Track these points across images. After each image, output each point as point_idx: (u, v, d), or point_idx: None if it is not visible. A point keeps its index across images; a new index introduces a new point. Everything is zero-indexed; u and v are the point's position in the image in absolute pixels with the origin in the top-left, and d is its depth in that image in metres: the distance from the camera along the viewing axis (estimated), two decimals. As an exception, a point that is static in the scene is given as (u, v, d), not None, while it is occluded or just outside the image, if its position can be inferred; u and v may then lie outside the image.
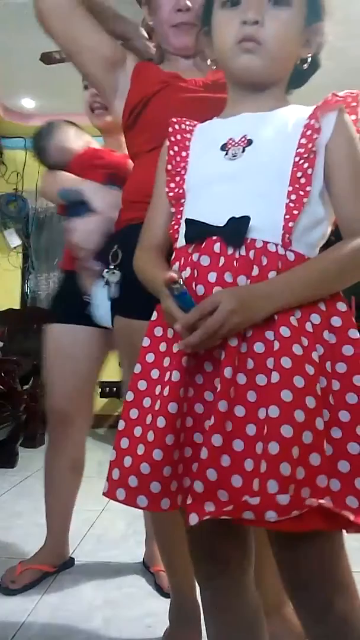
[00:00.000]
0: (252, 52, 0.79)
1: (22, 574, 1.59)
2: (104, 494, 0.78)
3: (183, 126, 0.91)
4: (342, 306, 0.76)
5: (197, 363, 0.76)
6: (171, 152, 0.89)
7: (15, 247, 4.46)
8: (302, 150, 0.77)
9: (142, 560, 1.75)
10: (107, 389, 3.75)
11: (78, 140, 1.63)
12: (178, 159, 0.88)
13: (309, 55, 0.84)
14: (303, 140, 0.78)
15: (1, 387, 3.02)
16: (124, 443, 0.78)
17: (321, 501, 0.67)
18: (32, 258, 4.52)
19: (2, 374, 3.08)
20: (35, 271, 4.53)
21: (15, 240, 4.44)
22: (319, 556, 0.74)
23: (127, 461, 0.76)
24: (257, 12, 0.77)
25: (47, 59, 2.93)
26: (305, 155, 0.77)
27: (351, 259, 0.76)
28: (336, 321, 0.75)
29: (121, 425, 0.79)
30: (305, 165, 0.77)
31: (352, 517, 0.68)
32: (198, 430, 0.75)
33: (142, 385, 0.79)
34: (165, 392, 0.74)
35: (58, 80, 3.44)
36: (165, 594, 1.56)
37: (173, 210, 0.88)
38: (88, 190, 1.52)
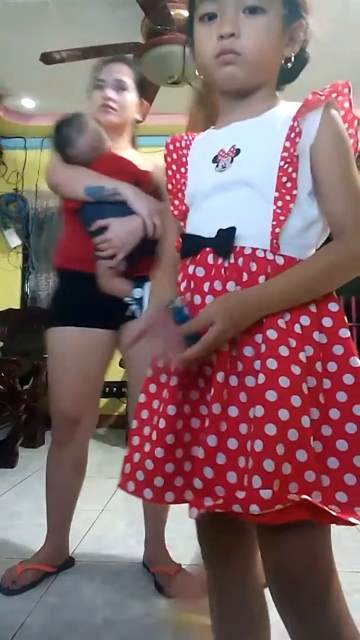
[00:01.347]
0: (232, 64, 0.80)
1: (22, 575, 1.59)
2: (118, 485, 0.84)
3: (178, 144, 0.93)
4: (333, 306, 0.78)
5: (198, 368, 0.79)
6: (169, 172, 0.92)
7: (15, 247, 4.46)
8: (286, 154, 0.78)
9: (142, 560, 1.75)
10: (107, 389, 3.75)
11: (106, 140, 1.60)
12: (178, 176, 0.91)
13: (293, 54, 0.84)
14: (287, 144, 0.78)
15: (1, 387, 3.02)
16: (135, 441, 0.83)
17: (304, 496, 0.70)
18: (32, 258, 4.52)
19: (2, 374, 3.08)
20: (35, 271, 4.53)
21: (15, 240, 4.44)
22: (304, 552, 0.76)
23: (137, 457, 0.81)
24: (232, 24, 0.78)
25: (47, 59, 2.95)
26: (289, 160, 0.77)
27: (337, 262, 0.77)
28: (327, 322, 0.77)
29: (134, 424, 0.85)
30: (290, 169, 0.77)
31: (337, 511, 0.71)
32: (203, 431, 0.78)
33: (152, 388, 0.85)
34: (167, 395, 0.80)
35: (58, 80, 3.45)
36: (165, 594, 1.56)
37: (182, 225, 0.90)
38: (129, 191, 1.52)
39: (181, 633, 1.39)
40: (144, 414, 0.84)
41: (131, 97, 1.67)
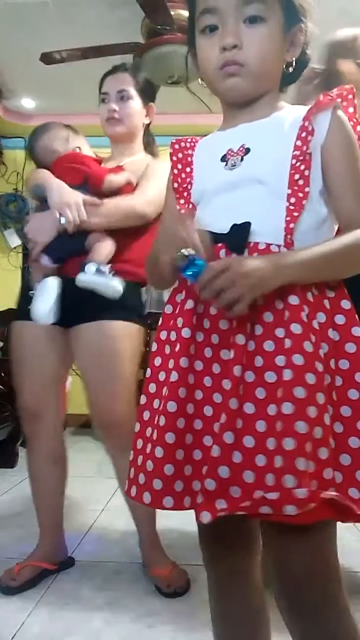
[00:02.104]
0: (236, 75, 0.80)
1: (20, 572, 1.60)
2: (124, 491, 0.83)
3: (183, 144, 0.93)
4: (346, 304, 0.78)
5: (205, 365, 0.78)
6: (175, 171, 0.92)
7: (15, 247, 4.46)
8: (297, 152, 0.78)
9: (141, 560, 1.75)
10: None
11: (65, 143, 1.68)
12: (183, 175, 0.91)
13: (294, 58, 0.84)
14: (298, 143, 0.79)
15: (1, 387, 3.02)
16: (139, 444, 0.82)
17: (334, 494, 0.70)
18: (32, 258, 4.52)
19: (2, 374, 3.08)
20: (35, 271, 4.53)
21: (15, 240, 4.44)
22: (311, 553, 0.76)
23: (140, 460, 0.80)
24: (234, 36, 0.78)
25: (47, 59, 2.95)
26: (301, 158, 0.78)
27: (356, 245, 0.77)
28: (340, 319, 0.77)
29: (137, 427, 0.83)
30: (302, 167, 0.78)
31: (356, 509, 0.71)
32: (208, 433, 0.76)
33: (152, 388, 0.83)
34: (165, 392, 0.78)
35: (58, 80, 3.45)
36: (165, 594, 1.56)
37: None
38: (49, 187, 1.57)
39: (181, 633, 1.39)
40: (146, 415, 0.82)
41: (135, 104, 1.72)
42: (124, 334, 1.57)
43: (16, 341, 1.68)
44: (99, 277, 1.51)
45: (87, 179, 1.59)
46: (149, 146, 1.82)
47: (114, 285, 1.51)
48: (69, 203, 1.52)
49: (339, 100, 0.80)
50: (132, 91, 1.71)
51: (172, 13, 2.58)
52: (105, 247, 1.56)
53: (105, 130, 1.74)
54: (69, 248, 1.56)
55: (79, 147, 1.70)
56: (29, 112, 4.17)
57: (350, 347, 0.75)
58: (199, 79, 0.89)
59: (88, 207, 1.53)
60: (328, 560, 0.77)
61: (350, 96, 0.81)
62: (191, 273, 0.73)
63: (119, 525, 2.11)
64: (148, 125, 1.80)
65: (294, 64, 0.84)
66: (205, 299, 0.74)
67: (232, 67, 0.79)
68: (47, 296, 1.52)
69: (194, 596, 1.56)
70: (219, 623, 0.92)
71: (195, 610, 1.47)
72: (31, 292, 1.57)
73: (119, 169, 1.67)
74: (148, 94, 1.77)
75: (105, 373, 1.55)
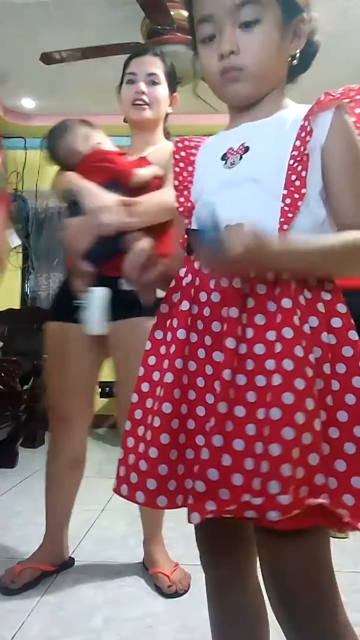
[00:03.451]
0: (236, 81, 0.80)
1: (21, 574, 1.60)
2: (113, 490, 0.82)
3: (187, 143, 0.93)
4: (342, 308, 0.77)
5: (198, 366, 0.78)
6: (177, 169, 0.92)
7: (15, 247, 4.46)
8: (296, 153, 0.77)
9: (142, 560, 1.75)
10: (107, 389, 3.74)
11: (87, 142, 1.63)
12: (185, 174, 0.91)
13: (299, 49, 0.83)
14: (297, 143, 0.78)
15: (1, 387, 3.02)
16: (130, 442, 0.81)
17: (320, 500, 0.69)
18: (32, 258, 4.52)
19: (2, 374, 3.08)
20: (35, 271, 4.53)
21: (15, 240, 4.44)
22: (303, 559, 0.75)
23: (131, 459, 0.80)
24: (230, 42, 0.78)
25: (47, 59, 2.95)
26: (299, 158, 0.77)
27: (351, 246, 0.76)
28: (336, 322, 0.75)
29: (127, 425, 0.83)
30: (299, 168, 0.76)
31: (346, 516, 0.70)
32: (200, 433, 0.76)
33: (145, 387, 0.83)
34: (161, 393, 0.78)
35: (58, 80, 3.45)
36: (165, 594, 1.56)
37: (188, 222, 0.89)
38: (82, 191, 1.54)
39: (181, 633, 1.39)
40: (138, 414, 0.82)
41: (163, 90, 1.65)
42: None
43: (53, 342, 1.66)
44: None
45: (115, 177, 1.56)
46: (169, 136, 1.76)
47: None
48: (106, 207, 1.49)
49: (346, 100, 0.79)
50: (162, 76, 1.64)
51: (172, 13, 2.58)
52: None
53: (130, 115, 1.66)
54: (107, 250, 1.51)
55: (99, 143, 1.65)
56: (29, 112, 4.17)
57: (347, 351, 0.74)
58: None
59: (123, 207, 1.50)
60: (320, 567, 0.76)
61: (358, 96, 0.79)
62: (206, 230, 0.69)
63: (119, 525, 2.11)
64: (167, 115, 1.74)
65: (297, 55, 0.83)
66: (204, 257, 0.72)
67: (232, 73, 0.80)
68: (99, 307, 1.50)
69: (194, 596, 1.56)
70: (217, 624, 0.92)
71: (195, 610, 1.47)
72: (76, 301, 1.53)
73: (143, 161, 1.62)
74: (174, 83, 1.71)
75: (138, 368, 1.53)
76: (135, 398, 0.83)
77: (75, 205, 1.57)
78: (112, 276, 1.47)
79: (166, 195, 1.54)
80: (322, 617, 0.75)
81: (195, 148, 0.93)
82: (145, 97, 1.62)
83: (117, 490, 0.81)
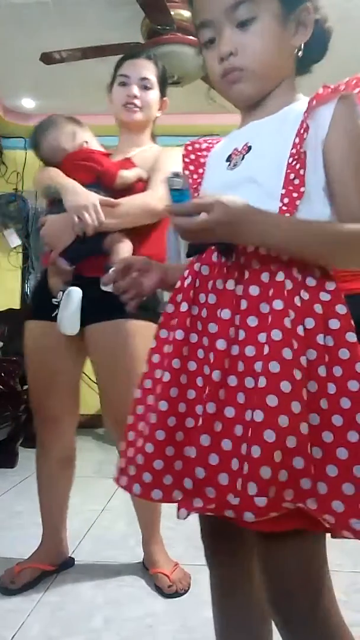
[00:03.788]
0: (238, 81, 0.80)
1: (20, 574, 1.60)
2: (113, 479, 0.84)
3: (197, 145, 0.93)
4: (341, 309, 0.75)
5: (197, 366, 0.78)
6: (186, 172, 0.92)
7: (15, 247, 4.45)
8: (294, 150, 0.76)
9: (142, 560, 1.75)
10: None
11: (72, 139, 1.62)
12: (195, 176, 0.91)
13: (305, 39, 0.81)
14: (296, 140, 0.76)
15: (1, 387, 3.02)
16: (130, 436, 0.83)
17: (299, 505, 0.68)
18: (32, 258, 4.51)
19: (2, 374, 3.08)
20: (35, 271, 4.51)
21: (15, 240, 4.43)
22: (297, 561, 0.75)
23: (130, 452, 0.81)
24: (228, 44, 0.78)
25: (47, 59, 2.95)
26: (297, 157, 0.75)
27: (351, 235, 0.74)
28: (334, 324, 0.74)
29: (130, 420, 0.85)
30: (297, 166, 0.75)
31: (332, 522, 0.69)
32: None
33: (147, 383, 0.84)
34: (159, 390, 0.79)
35: (58, 80, 3.45)
36: (165, 594, 1.57)
37: None
38: (64, 188, 1.53)
39: (181, 633, 1.39)
40: (139, 410, 0.83)
41: (154, 94, 1.66)
42: (139, 332, 1.53)
43: (33, 342, 1.64)
44: None
45: (99, 177, 1.56)
46: (154, 139, 1.78)
47: None
48: (86, 205, 1.48)
49: (356, 90, 0.75)
50: (155, 81, 1.65)
51: (172, 13, 2.57)
52: (125, 248, 1.53)
53: (121, 116, 1.66)
54: (86, 249, 1.53)
55: (86, 142, 1.64)
56: (29, 112, 4.17)
57: (344, 354, 0.72)
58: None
59: (104, 207, 1.50)
60: (314, 568, 0.75)
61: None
62: (177, 195, 0.73)
63: (119, 525, 2.11)
64: (155, 118, 1.75)
65: (303, 46, 0.81)
66: (175, 226, 0.73)
67: (233, 75, 0.79)
68: (73, 307, 1.50)
69: (194, 596, 1.56)
70: (221, 623, 0.92)
71: (195, 610, 1.47)
72: (54, 299, 1.54)
73: (128, 162, 1.62)
74: (165, 87, 1.72)
75: (121, 371, 1.53)
76: (137, 394, 0.85)
77: (56, 202, 1.57)
78: (90, 276, 1.48)
79: (149, 198, 1.56)
80: (316, 618, 0.75)
81: (207, 150, 0.92)
82: (137, 101, 1.63)
83: (117, 480, 0.82)
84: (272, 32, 0.78)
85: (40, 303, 1.64)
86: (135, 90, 1.62)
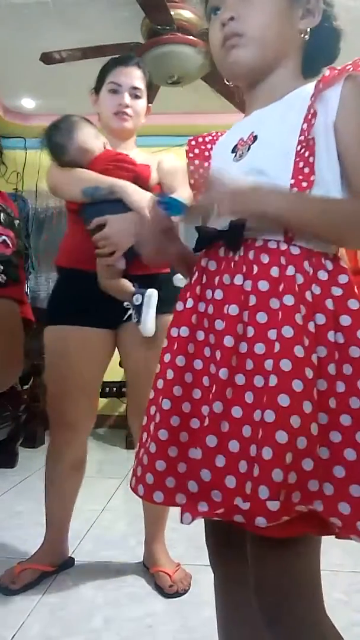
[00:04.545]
0: (236, 46, 0.79)
1: (21, 574, 1.59)
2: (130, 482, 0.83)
3: (201, 139, 0.92)
4: (353, 304, 0.72)
5: (204, 365, 0.76)
6: (191, 167, 0.91)
7: (15, 247, 4.46)
8: (302, 137, 0.73)
9: (142, 560, 1.75)
10: (107, 389, 3.74)
11: (98, 141, 1.62)
12: (201, 170, 0.89)
13: (311, 26, 0.80)
14: (304, 126, 0.73)
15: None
16: (144, 437, 0.81)
17: (311, 507, 0.67)
18: (32, 258, 4.51)
19: (2, 374, 3.07)
20: (35, 271, 4.52)
21: (15, 240, 4.43)
22: (289, 568, 0.73)
23: (141, 453, 0.80)
24: (230, 9, 0.78)
25: (47, 59, 2.95)
26: (305, 144, 0.73)
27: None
28: (345, 320, 0.71)
29: (144, 420, 0.83)
30: (306, 154, 0.72)
31: (339, 524, 0.67)
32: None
33: (159, 384, 0.81)
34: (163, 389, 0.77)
35: (58, 80, 3.45)
36: (165, 594, 1.56)
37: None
38: (125, 189, 1.52)
39: (181, 633, 1.39)
40: (152, 410, 0.80)
41: (143, 103, 1.69)
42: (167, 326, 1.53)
43: (55, 346, 1.62)
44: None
45: (135, 178, 1.55)
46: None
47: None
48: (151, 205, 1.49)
49: None
50: (144, 89, 1.68)
51: (172, 13, 2.57)
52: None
53: (111, 123, 1.67)
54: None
55: (106, 143, 1.64)
56: (29, 112, 4.17)
57: (355, 352, 0.70)
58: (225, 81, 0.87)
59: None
60: (304, 575, 0.73)
61: None
62: (173, 208, 0.75)
63: (119, 525, 2.11)
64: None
65: (309, 32, 0.80)
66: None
67: (232, 40, 0.79)
68: (153, 308, 1.49)
69: (194, 596, 1.56)
70: (224, 623, 0.92)
71: (196, 610, 1.47)
72: (126, 303, 1.52)
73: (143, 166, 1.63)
74: (150, 94, 1.74)
75: (152, 367, 1.53)
76: (151, 394, 0.82)
77: (98, 203, 1.53)
78: (138, 274, 1.49)
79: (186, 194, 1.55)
80: (302, 628, 0.73)
81: (212, 143, 0.91)
82: (129, 110, 1.64)
83: (130, 484, 0.81)
84: (277, 4, 0.78)
85: (60, 307, 1.63)
86: (127, 99, 1.64)
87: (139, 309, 1.50)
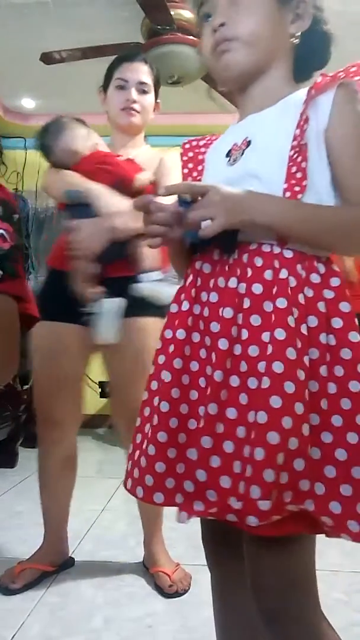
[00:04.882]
0: (227, 51, 0.80)
1: (21, 574, 1.60)
2: (123, 482, 0.83)
3: (195, 143, 0.92)
4: (345, 307, 0.73)
5: (200, 367, 0.77)
6: (185, 170, 0.91)
7: (15, 247, 4.46)
8: (295, 143, 0.74)
9: (142, 560, 1.75)
10: (107, 389, 3.74)
11: (86, 141, 1.61)
12: (195, 174, 0.89)
13: (301, 30, 0.81)
14: (297, 132, 0.74)
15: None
16: (138, 438, 0.81)
17: (302, 506, 0.68)
18: (32, 258, 4.51)
19: (2, 374, 3.07)
20: (35, 271, 4.52)
21: (15, 240, 4.43)
22: (285, 567, 0.74)
23: (137, 455, 0.80)
24: (221, 15, 0.79)
25: (47, 59, 2.95)
26: (298, 149, 0.74)
27: (350, 220, 0.74)
28: (337, 322, 0.72)
29: (137, 422, 0.83)
30: (299, 159, 0.73)
31: (330, 523, 0.68)
32: None
33: (153, 385, 0.81)
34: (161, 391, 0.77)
35: (58, 80, 3.45)
36: (165, 594, 1.57)
37: None
38: (96, 193, 1.52)
39: (181, 633, 1.39)
40: (146, 411, 0.81)
41: (151, 98, 1.68)
42: (155, 330, 1.53)
43: (37, 342, 1.62)
44: (159, 285, 1.48)
45: (118, 180, 1.55)
46: (146, 140, 1.78)
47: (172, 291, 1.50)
48: (120, 210, 1.48)
49: (355, 79, 0.74)
50: (151, 84, 1.67)
51: (172, 13, 2.57)
52: (151, 251, 1.50)
53: (118, 120, 1.66)
54: (113, 253, 1.52)
55: (96, 144, 1.64)
56: (29, 112, 4.17)
57: (346, 353, 0.71)
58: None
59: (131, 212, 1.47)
60: (300, 574, 0.74)
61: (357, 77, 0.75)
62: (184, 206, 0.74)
63: (119, 525, 2.11)
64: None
65: (299, 36, 0.81)
66: (189, 222, 0.73)
67: (222, 45, 0.80)
68: (115, 316, 1.49)
69: (194, 596, 1.56)
70: (221, 622, 0.92)
71: (195, 610, 1.47)
72: (84, 308, 1.51)
73: (132, 163, 1.62)
74: (158, 90, 1.73)
75: (135, 368, 1.52)
76: (145, 395, 0.83)
77: (77, 206, 1.54)
78: (114, 277, 1.48)
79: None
80: (297, 627, 0.73)
81: (205, 146, 0.91)
82: (136, 105, 1.64)
83: (125, 485, 0.81)
84: (266, 9, 0.79)
85: (49, 303, 1.62)
86: (134, 94, 1.63)
87: (96, 316, 1.51)
